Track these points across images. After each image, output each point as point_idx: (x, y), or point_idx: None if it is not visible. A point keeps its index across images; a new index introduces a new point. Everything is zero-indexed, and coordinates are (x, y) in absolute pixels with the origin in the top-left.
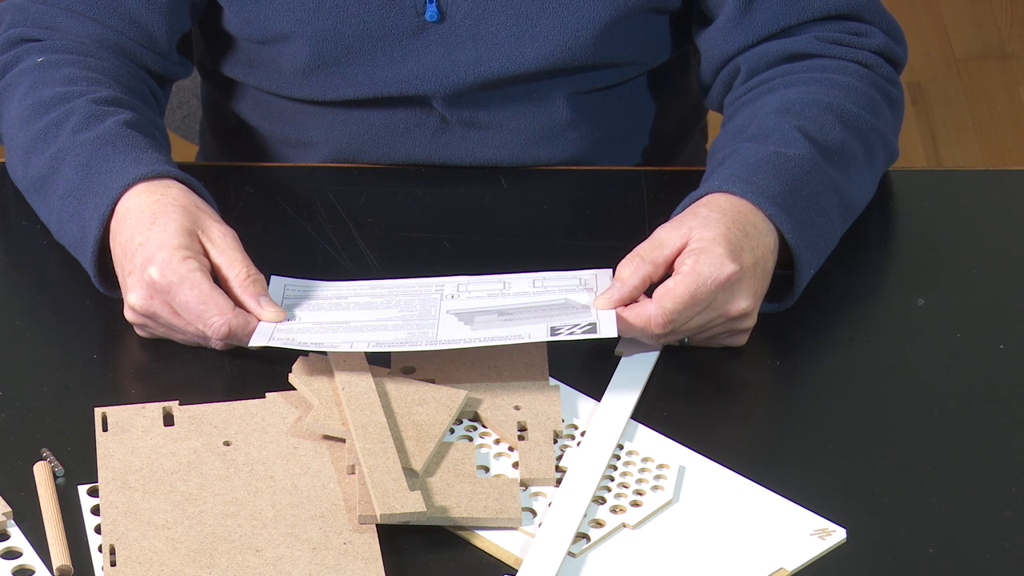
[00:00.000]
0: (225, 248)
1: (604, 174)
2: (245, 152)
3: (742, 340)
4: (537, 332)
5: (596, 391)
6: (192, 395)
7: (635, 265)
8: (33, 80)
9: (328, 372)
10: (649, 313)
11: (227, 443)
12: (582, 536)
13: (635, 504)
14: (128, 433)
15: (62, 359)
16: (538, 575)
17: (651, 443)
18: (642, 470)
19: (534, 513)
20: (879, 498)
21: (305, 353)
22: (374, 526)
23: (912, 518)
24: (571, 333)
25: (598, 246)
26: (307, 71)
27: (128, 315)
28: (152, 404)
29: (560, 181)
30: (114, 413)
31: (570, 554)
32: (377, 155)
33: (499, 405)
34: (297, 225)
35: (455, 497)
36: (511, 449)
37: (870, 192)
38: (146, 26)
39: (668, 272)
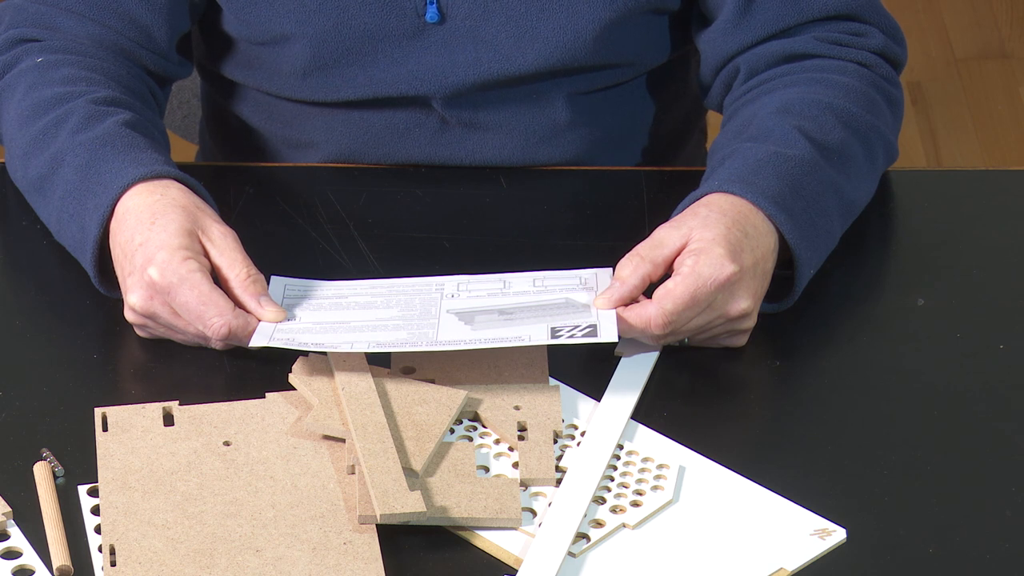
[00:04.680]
0: (225, 248)
1: (604, 174)
2: (245, 153)
3: (742, 340)
4: (537, 333)
5: (596, 391)
6: (192, 395)
7: (635, 264)
8: (32, 80)
9: (328, 372)
10: (649, 314)
11: (227, 443)
12: (582, 536)
13: (635, 504)
14: (128, 433)
15: (62, 359)
16: (538, 575)
17: (651, 443)
18: (642, 470)
19: (534, 513)
20: (879, 498)
21: (305, 353)
22: (374, 526)
23: (912, 518)
24: (571, 336)
25: (598, 246)
26: (307, 72)
27: (128, 315)
28: (152, 404)
29: (560, 181)
30: (114, 413)
31: (570, 554)
32: (377, 156)
33: (499, 405)
34: (297, 225)
35: (455, 497)
36: (511, 449)
37: (870, 192)
38: (145, 26)
39: (667, 272)
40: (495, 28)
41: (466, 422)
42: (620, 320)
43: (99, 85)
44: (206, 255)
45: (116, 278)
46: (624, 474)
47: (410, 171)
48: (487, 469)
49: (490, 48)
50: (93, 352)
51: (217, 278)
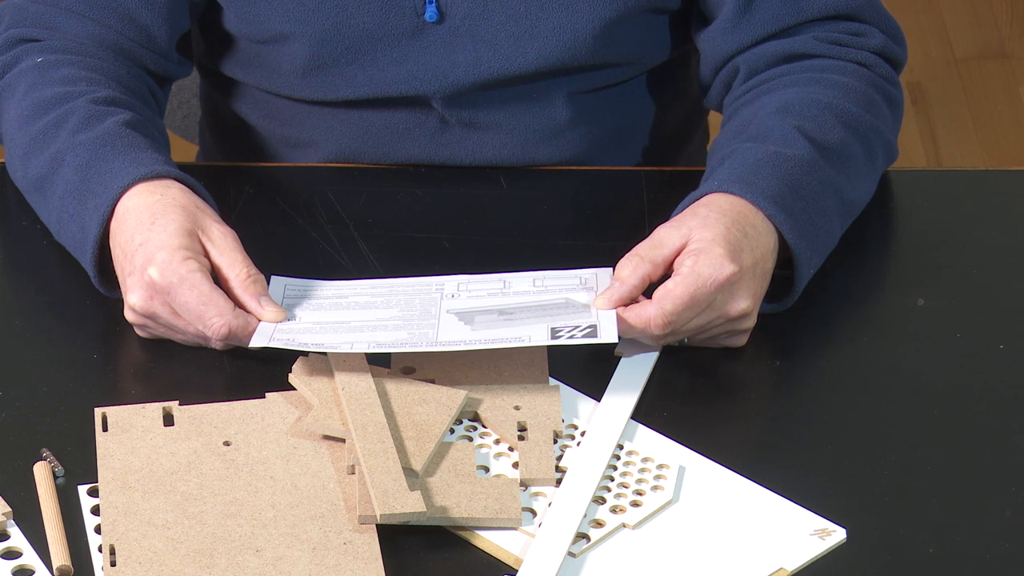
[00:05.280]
0: (225, 248)
1: (604, 174)
2: (244, 152)
3: (742, 340)
4: (537, 334)
5: (596, 391)
6: (192, 395)
7: (634, 264)
8: (32, 80)
9: (328, 372)
10: (649, 314)
11: (227, 443)
12: (582, 536)
13: (635, 504)
14: (128, 433)
15: (62, 359)
16: (538, 575)
17: (651, 443)
18: (642, 470)
19: (534, 513)
20: (879, 498)
21: (305, 353)
22: (374, 526)
23: (912, 518)
24: (571, 336)
25: (598, 246)
26: (307, 71)
27: (128, 315)
28: (152, 404)
29: (560, 181)
30: (114, 413)
31: (570, 554)
32: (377, 155)
33: (499, 405)
34: (297, 225)
35: (455, 497)
36: (511, 449)
37: (870, 192)
38: (145, 26)
39: (667, 272)
40: (495, 27)
41: (466, 422)
42: (620, 320)
43: (99, 85)
44: (206, 255)
45: (116, 278)
46: (624, 474)
47: (410, 171)
48: (487, 469)
49: (490, 47)
50: (93, 352)
51: (217, 278)
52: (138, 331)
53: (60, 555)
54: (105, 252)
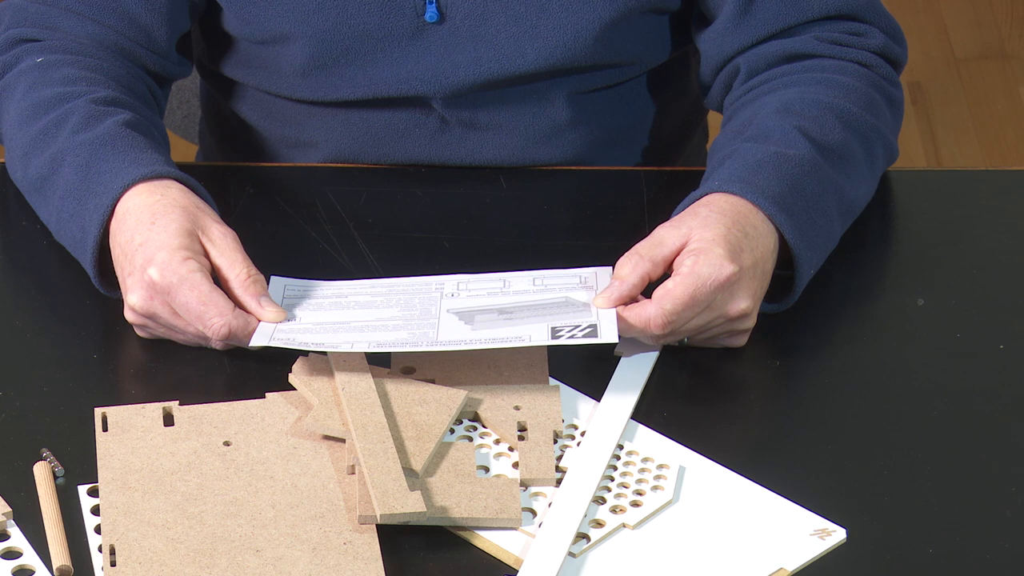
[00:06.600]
0: (225, 249)
1: (604, 174)
2: (245, 152)
3: (742, 341)
4: (538, 334)
5: (596, 391)
6: (192, 395)
7: (634, 263)
8: (32, 80)
9: (328, 372)
10: (649, 314)
11: (227, 443)
12: (582, 536)
13: (635, 504)
14: (128, 433)
15: (62, 359)
16: (538, 575)
17: (651, 443)
18: (642, 470)
19: (534, 513)
20: (879, 498)
21: (305, 353)
22: (374, 526)
23: (912, 518)
24: (572, 336)
25: (598, 246)
26: (307, 72)
27: (128, 316)
28: (152, 404)
29: (560, 181)
30: (114, 413)
31: (570, 554)
32: (377, 156)
33: (499, 405)
34: (297, 225)
35: (455, 497)
36: (511, 449)
37: (870, 192)
38: (145, 26)
39: (667, 271)
40: (495, 27)
41: (466, 422)
42: (620, 320)
43: (99, 85)
44: (206, 255)
45: (116, 278)
46: (624, 474)
47: (410, 171)
48: (487, 469)
49: (490, 47)
50: (93, 352)
51: (217, 278)
52: (138, 331)
53: (60, 555)
54: (105, 252)
